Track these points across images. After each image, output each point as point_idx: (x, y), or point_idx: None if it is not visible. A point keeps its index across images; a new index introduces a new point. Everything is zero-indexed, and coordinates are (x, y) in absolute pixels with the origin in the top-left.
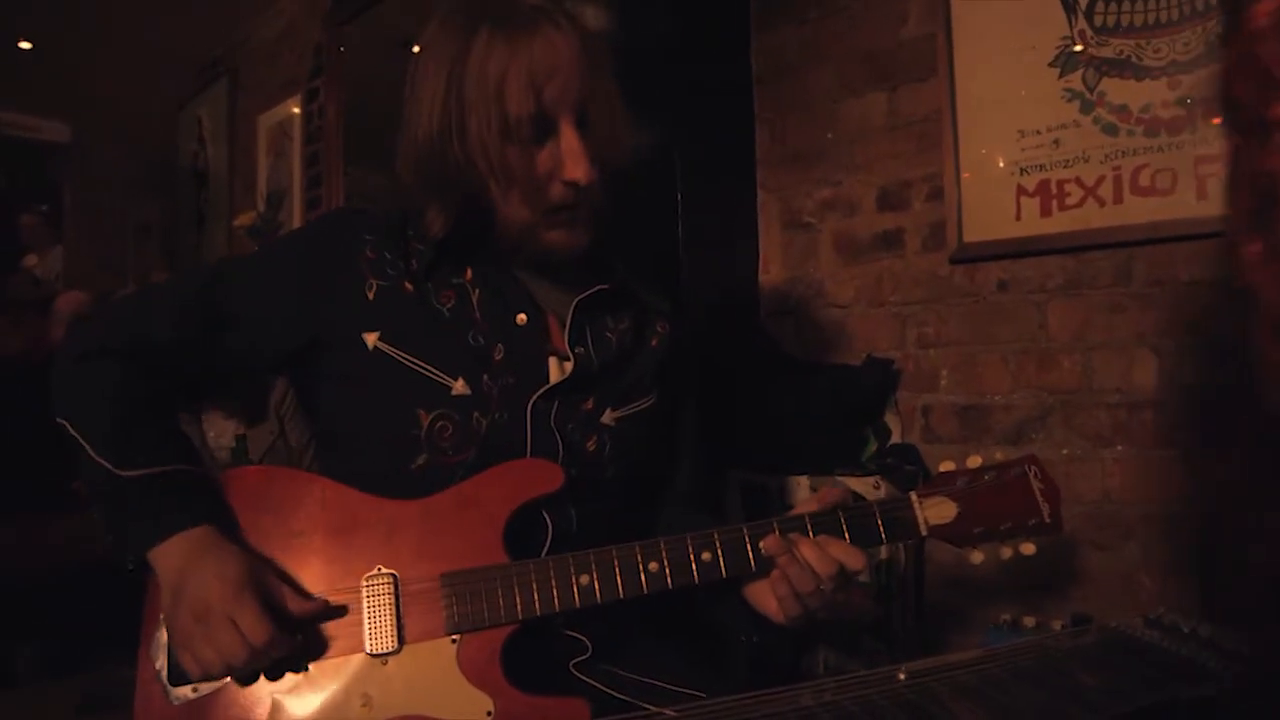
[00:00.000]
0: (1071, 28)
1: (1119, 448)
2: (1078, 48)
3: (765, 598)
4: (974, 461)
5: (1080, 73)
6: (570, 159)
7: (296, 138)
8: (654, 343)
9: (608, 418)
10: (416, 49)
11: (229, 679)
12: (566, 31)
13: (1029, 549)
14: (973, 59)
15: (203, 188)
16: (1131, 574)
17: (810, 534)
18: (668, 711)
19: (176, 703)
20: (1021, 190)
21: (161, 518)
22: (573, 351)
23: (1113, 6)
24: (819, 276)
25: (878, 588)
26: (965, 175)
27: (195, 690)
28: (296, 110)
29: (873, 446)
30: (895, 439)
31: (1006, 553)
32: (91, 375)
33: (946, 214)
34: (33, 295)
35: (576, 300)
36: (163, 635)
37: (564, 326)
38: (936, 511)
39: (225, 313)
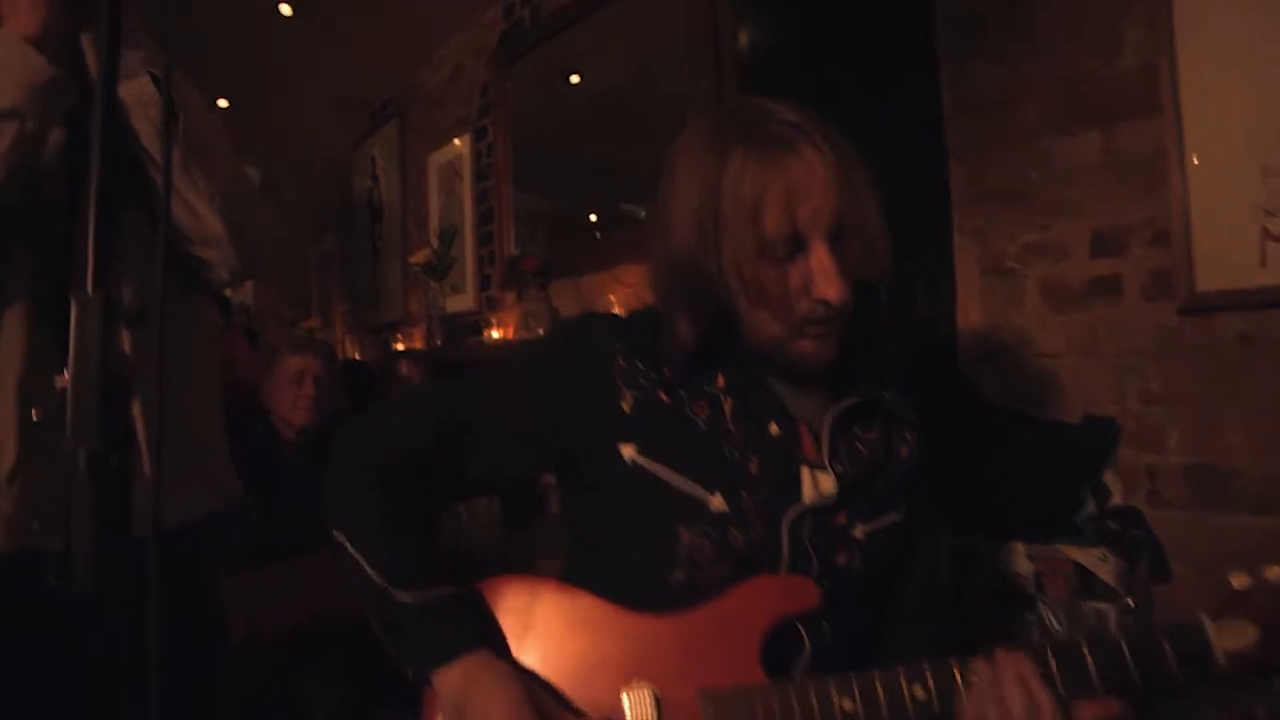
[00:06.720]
0: None
1: None
2: None
3: None
4: (1274, 573)
5: None
6: (822, 278)
7: (466, 175)
8: (903, 452)
9: (859, 532)
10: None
11: None
12: (822, 150)
13: None
14: (1204, 91)
15: (377, 221)
16: None
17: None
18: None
19: None
20: (1266, 234)
21: (440, 642)
22: (833, 468)
23: None
24: (1024, 325)
25: None
26: (1196, 218)
27: None
28: (458, 143)
29: (1091, 508)
30: (1116, 500)
31: None
32: (364, 493)
33: (1174, 260)
34: (239, 321)
35: (833, 417)
36: None
37: (814, 435)
38: (1233, 638)
39: (478, 429)
